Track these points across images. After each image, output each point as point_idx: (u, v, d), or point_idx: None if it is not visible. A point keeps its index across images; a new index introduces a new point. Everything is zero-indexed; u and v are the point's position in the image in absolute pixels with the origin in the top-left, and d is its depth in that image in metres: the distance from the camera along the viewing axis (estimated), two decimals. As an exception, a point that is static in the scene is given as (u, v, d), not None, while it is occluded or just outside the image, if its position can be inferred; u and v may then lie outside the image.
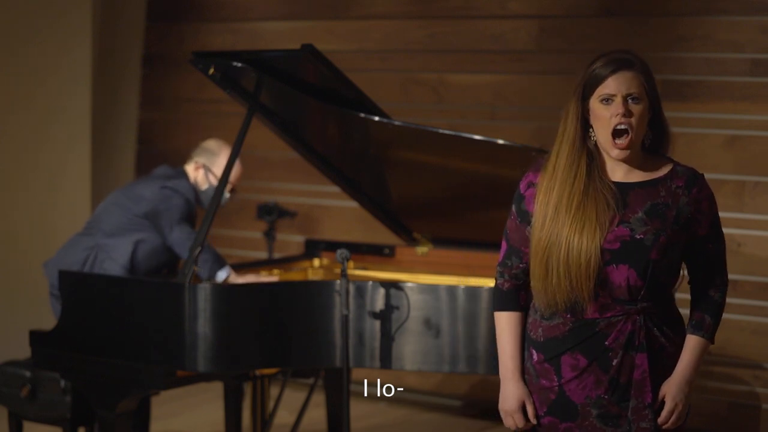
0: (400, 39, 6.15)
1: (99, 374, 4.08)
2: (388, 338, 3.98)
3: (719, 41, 5.36)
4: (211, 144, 4.71)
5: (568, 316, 2.75)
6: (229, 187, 4.63)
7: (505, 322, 2.85)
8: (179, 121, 6.80)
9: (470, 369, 3.95)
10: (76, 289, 4.16)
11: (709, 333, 2.80)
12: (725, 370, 5.32)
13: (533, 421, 2.81)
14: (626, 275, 2.70)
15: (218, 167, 4.61)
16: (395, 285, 3.99)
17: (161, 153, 6.73)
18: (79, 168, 6.49)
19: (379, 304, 3.99)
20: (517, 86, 5.82)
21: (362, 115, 4.20)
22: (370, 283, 4.01)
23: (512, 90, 5.85)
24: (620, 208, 2.72)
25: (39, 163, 6.32)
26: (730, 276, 5.18)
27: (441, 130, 4.24)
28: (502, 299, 2.87)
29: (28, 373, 4.46)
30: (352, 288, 3.99)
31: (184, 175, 4.64)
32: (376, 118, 4.20)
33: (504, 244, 2.88)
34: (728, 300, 5.00)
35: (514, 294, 2.86)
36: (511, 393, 2.82)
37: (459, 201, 4.58)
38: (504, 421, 2.85)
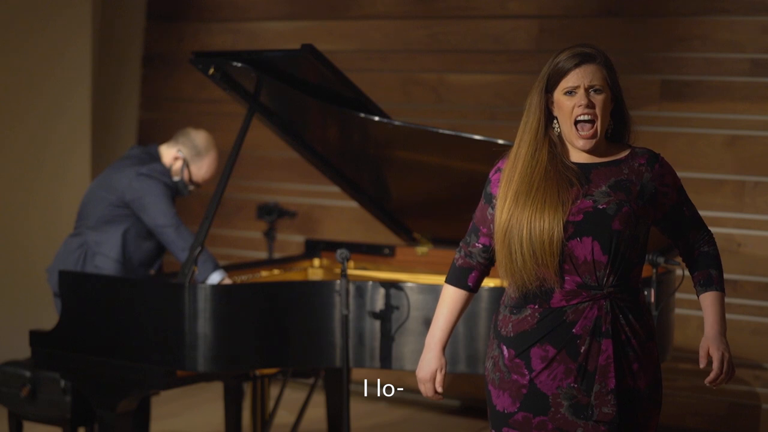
0: (400, 39, 6.16)
1: (99, 374, 4.08)
2: (388, 338, 3.98)
3: (719, 41, 5.36)
4: (199, 140, 4.64)
5: (536, 306, 2.78)
6: (194, 186, 4.63)
7: (448, 296, 2.95)
8: (179, 121, 6.80)
9: (470, 369, 3.95)
10: (76, 289, 4.16)
11: (719, 285, 2.86)
12: (725, 370, 5.31)
13: (439, 390, 2.93)
14: (591, 248, 2.73)
15: (197, 168, 4.59)
16: (395, 285, 3.99)
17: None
18: (79, 168, 6.49)
19: (379, 304, 3.99)
20: (517, 86, 5.82)
21: (362, 115, 4.21)
22: (370, 283, 4.02)
23: (512, 90, 5.85)
24: (583, 184, 2.77)
25: (39, 163, 6.32)
26: (730, 276, 5.22)
27: (441, 130, 4.24)
28: (453, 273, 2.96)
29: (28, 373, 4.46)
30: (352, 288, 4.00)
31: (157, 157, 4.61)
32: (376, 118, 4.21)
33: (470, 224, 2.96)
34: (728, 300, 5.01)
35: (465, 272, 2.93)
36: (427, 362, 2.93)
37: (459, 201, 4.57)
38: (419, 387, 2.96)
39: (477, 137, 4.15)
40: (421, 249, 4.91)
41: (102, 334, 4.08)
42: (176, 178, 4.57)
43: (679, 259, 4.17)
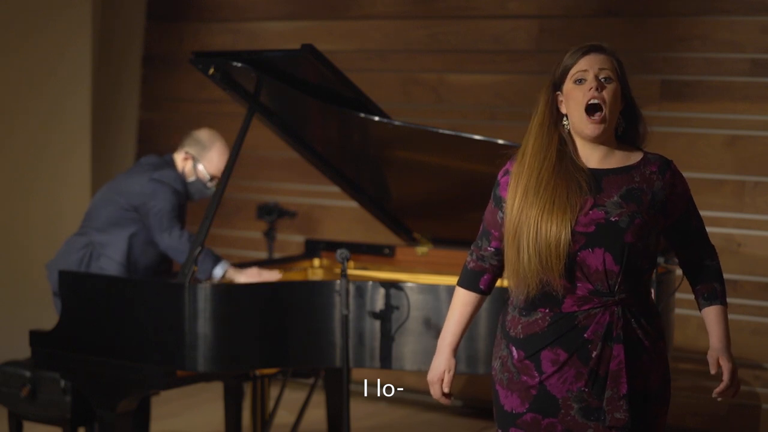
0: (400, 39, 6.16)
1: (99, 374, 4.08)
2: (388, 338, 3.98)
3: (719, 41, 5.36)
4: (202, 135, 4.67)
5: (547, 310, 2.77)
6: (215, 180, 4.62)
7: (460, 299, 2.94)
8: (179, 121, 6.80)
9: (470, 369, 3.95)
10: (76, 289, 4.16)
11: (723, 299, 2.87)
12: (725, 370, 5.31)
13: (446, 390, 2.92)
14: (602, 259, 2.72)
15: (207, 161, 4.60)
16: (395, 285, 3.99)
17: (161, 153, 6.72)
18: (79, 168, 6.49)
19: (379, 304, 3.99)
20: (517, 86, 5.82)
21: (362, 115, 4.21)
22: (370, 283, 4.02)
23: (512, 90, 5.85)
24: (594, 192, 2.75)
25: (39, 163, 6.32)
26: (730, 276, 5.22)
27: (441, 130, 4.24)
28: (464, 276, 2.94)
29: (28, 373, 4.46)
30: (352, 288, 4.00)
31: (172, 164, 4.62)
32: (376, 118, 4.21)
33: (481, 227, 2.95)
34: (728, 300, 5.01)
35: (477, 275, 2.92)
36: (437, 364, 2.92)
37: (459, 201, 4.58)
38: (430, 389, 2.95)
39: (477, 137, 4.15)
40: (421, 249, 4.91)
41: (102, 334, 4.08)
42: (192, 179, 4.59)
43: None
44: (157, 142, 6.87)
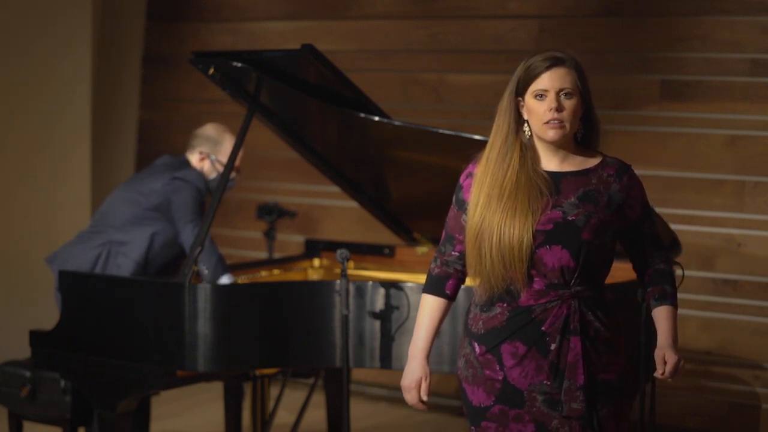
0: (400, 39, 6.16)
1: (99, 374, 4.08)
2: (388, 338, 3.98)
3: (719, 41, 5.36)
4: (210, 131, 4.66)
5: (505, 305, 2.83)
6: (236, 171, 4.61)
7: (427, 305, 2.97)
8: (179, 121, 6.80)
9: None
10: (77, 289, 4.16)
11: (673, 300, 2.93)
12: (725, 370, 5.32)
13: (424, 398, 2.94)
14: (559, 256, 2.79)
15: (223, 155, 4.59)
16: (395, 285, 4.00)
17: (161, 153, 6.70)
18: (79, 168, 6.49)
19: (379, 304, 3.99)
20: (517, 86, 5.81)
21: (362, 115, 4.21)
22: (370, 283, 4.02)
23: (512, 90, 5.84)
24: (553, 194, 2.82)
25: (39, 163, 6.33)
26: (730, 276, 5.21)
27: (441, 130, 4.24)
28: (430, 283, 2.99)
29: (28, 373, 4.46)
30: (352, 288, 4.00)
31: (189, 165, 4.63)
32: (376, 118, 4.21)
33: (443, 232, 3.01)
34: (728, 300, 5.00)
35: (442, 281, 2.97)
36: (411, 370, 2.95)
37: (459, 201, 4.57)
38: (404, 396, 2.96)
39: (477, 137, 4.16)
40: (421, 249, 4.91)
41: (102, 334, 4.08)
42: (212, 177, 4.59)
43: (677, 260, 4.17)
44: (157, 142, 6.87)
